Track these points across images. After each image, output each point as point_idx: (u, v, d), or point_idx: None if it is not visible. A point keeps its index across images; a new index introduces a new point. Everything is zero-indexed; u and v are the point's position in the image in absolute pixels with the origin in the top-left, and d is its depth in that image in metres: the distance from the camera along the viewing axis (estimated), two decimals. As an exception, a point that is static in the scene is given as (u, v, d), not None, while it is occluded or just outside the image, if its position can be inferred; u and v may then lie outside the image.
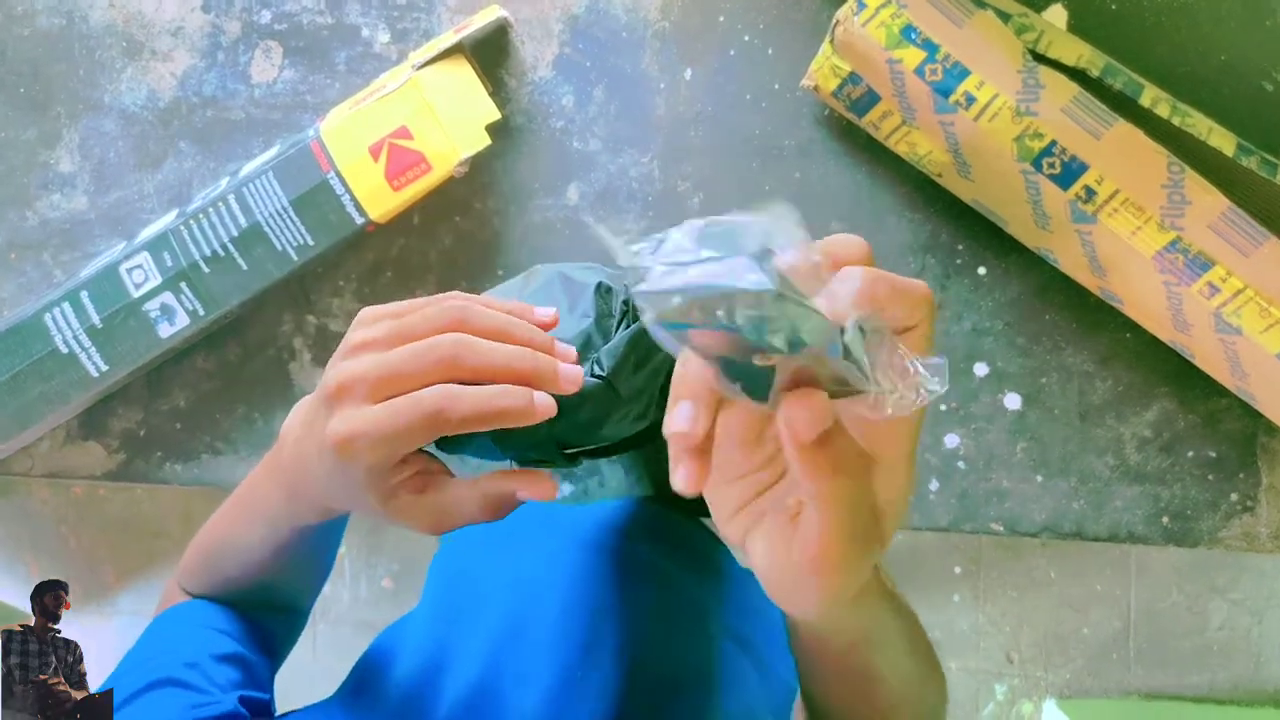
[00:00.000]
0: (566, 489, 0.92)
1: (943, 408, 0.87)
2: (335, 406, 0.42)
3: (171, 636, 0.68)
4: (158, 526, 2.23)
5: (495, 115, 0.83)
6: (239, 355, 0.94)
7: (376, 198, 0.82)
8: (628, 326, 0.57)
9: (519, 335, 0.46)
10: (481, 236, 0.91)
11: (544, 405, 0.44)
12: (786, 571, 0.38)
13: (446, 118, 0.81)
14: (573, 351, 0.49)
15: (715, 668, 0.73)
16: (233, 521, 0.67)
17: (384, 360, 0.42)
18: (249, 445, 0.95)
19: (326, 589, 1.83)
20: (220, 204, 0.82)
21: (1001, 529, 0.87)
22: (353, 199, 0.82)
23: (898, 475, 0.37)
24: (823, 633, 0.50)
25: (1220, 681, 1.98)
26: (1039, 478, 0.87)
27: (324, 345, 0.93)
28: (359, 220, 0.83)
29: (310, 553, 0.66)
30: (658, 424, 0.72)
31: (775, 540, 0.39)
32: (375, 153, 0.82)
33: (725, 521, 0.43)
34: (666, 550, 0.83)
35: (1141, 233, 0.71)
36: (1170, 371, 0.85)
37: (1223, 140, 0.74)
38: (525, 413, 0.43)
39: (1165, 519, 0.86)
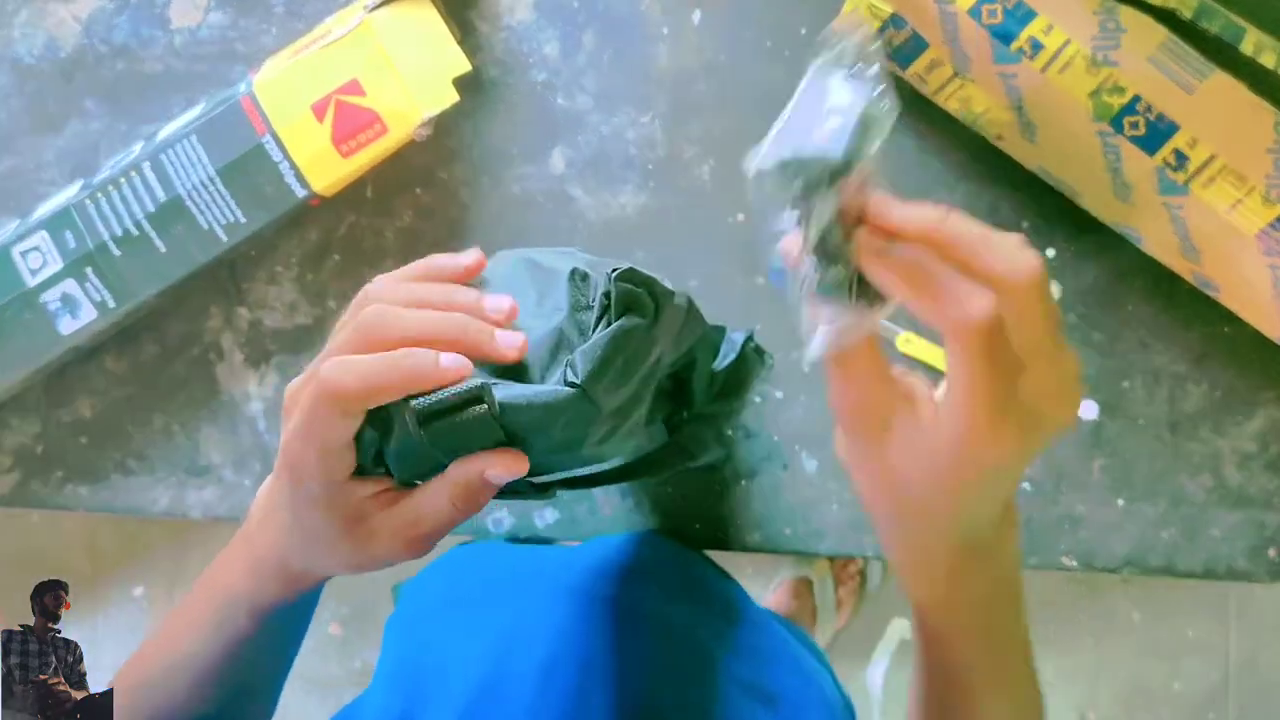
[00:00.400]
0: (550, 516, 0.92)
1: (1004, 417, 0.88)
2: (287, 416, 0.49)
3: None
4: (57, 561, 2.23)
5: (465, 67, 0.83)
6: (156, 356, 0.94)
7: (321, 165, 0.83)
8: (609, 324, 0.54)
9: (436, 299, 0.50)
10: (448, 212, 0.91)
11: (452, 365, 0.46)
12: (925, 465, 0.44)
13: (406, 69, 0.81)
14: (508, 308, 0.51)
15: None
16: (172, 638, 0.67)
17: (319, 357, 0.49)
18: (168, 463, 0.95)
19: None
20: (133, 173, 0.82)
21: (1075, 564, 0.88)
22: (292, 167, 0.82)
23: (1047, 365, 0.41)
24: (945, 624, 0.53)
25: (1337, 745, 1.99)
26: (1120, 502, 0.87)
27: (257, 343, 0.93)
28: (300, 193, 0.83)
29: (268, 646, 0.66)
30: (656, 453, 0.72)
31: (912, 431, 0.44)
32: (320, 111, 0.82)
33: (854, 421, 0.47)
34: (667, 594, 0.84)
35: (1243, 206, 0.71)
36: (1278, 373, 0.85)
37: (1341, 95, 0.74)
38: (429, 374, 0.46)
39: (1272, 551, 0.86)
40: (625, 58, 0.89)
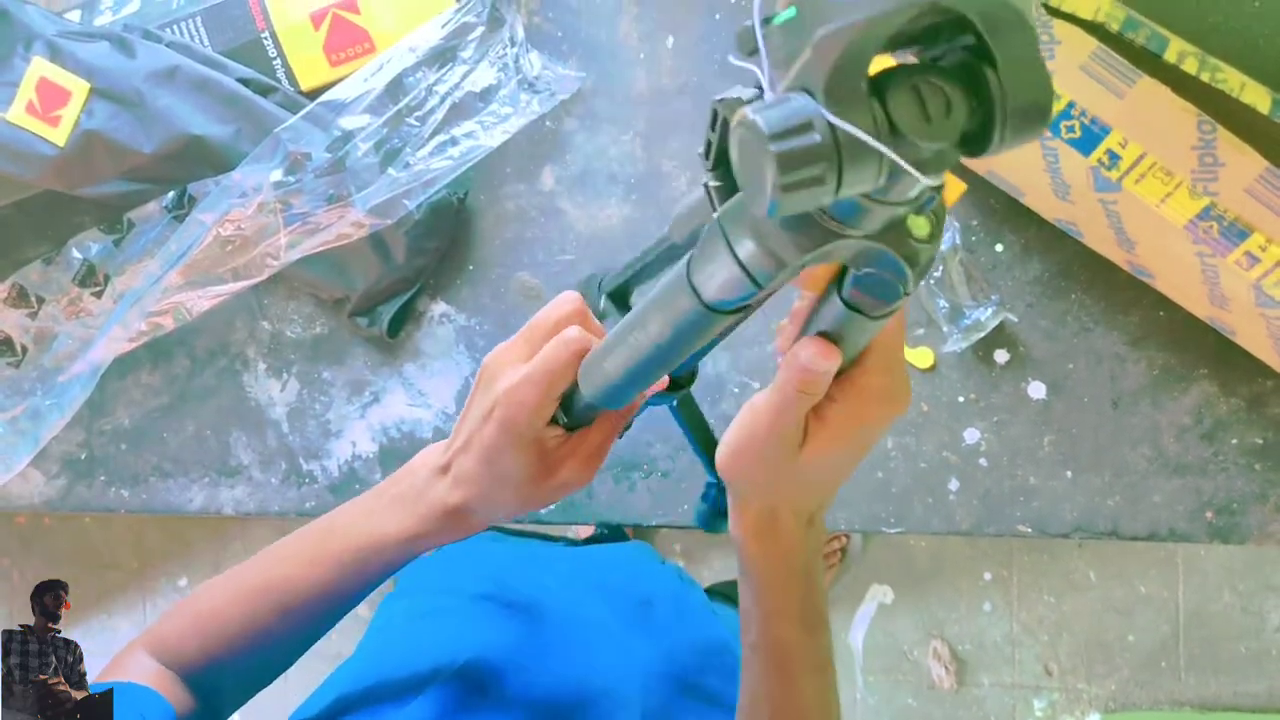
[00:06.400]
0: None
1: (960, 399, 0.87)
2: (494, 376, 0.56)
3: None
4: (109, 558, 2.23)
5: (452, 3, 0.83)
6: (187, 368, 0.94)
7: (311, 68, 0.83)
8: None
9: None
10: (450, 228, 0.90)
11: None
12: (835, 447, 0.49)
13: None
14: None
15: None
16: (291, 562, 0.68)
17: (517, 338, 0.57)
18: (201, 465, 0.94)
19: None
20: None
21: (1029, 530, 0.87)
22: (285, 65, 0.83)
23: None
24: (775, 595, 0.57)
25: (1280, 688, 1.99)
26: (1068, 473, 0.87)
27: (279, 353, 0.93)
28: (288, 88, 0.84)
29: (365, 585, 0.67)
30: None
31: (829, 425, 0.48)
32: (317, 21, 0.82)
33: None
34: (617, 605, 0.87)
35: (1171, 200, 0.71)
36: (1209, 351, 0.85)
37: (1257, 96, 0.73)
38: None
39: (1209, 514, 0.86)
40: (606, 81, 0.89)
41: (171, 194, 0.85)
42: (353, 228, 0.82)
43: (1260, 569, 1.99)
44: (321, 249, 0.84)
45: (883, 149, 0.35)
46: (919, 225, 0.40)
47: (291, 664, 0.72)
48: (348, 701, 0.72)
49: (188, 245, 0.82)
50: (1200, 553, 1.99)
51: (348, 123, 0.80)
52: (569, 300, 0.57)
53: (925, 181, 0.36)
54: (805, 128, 0.35)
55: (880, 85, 0.36)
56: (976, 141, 0.36)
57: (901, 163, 0.35)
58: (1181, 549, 2.00)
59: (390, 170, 0.82)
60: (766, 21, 0.37)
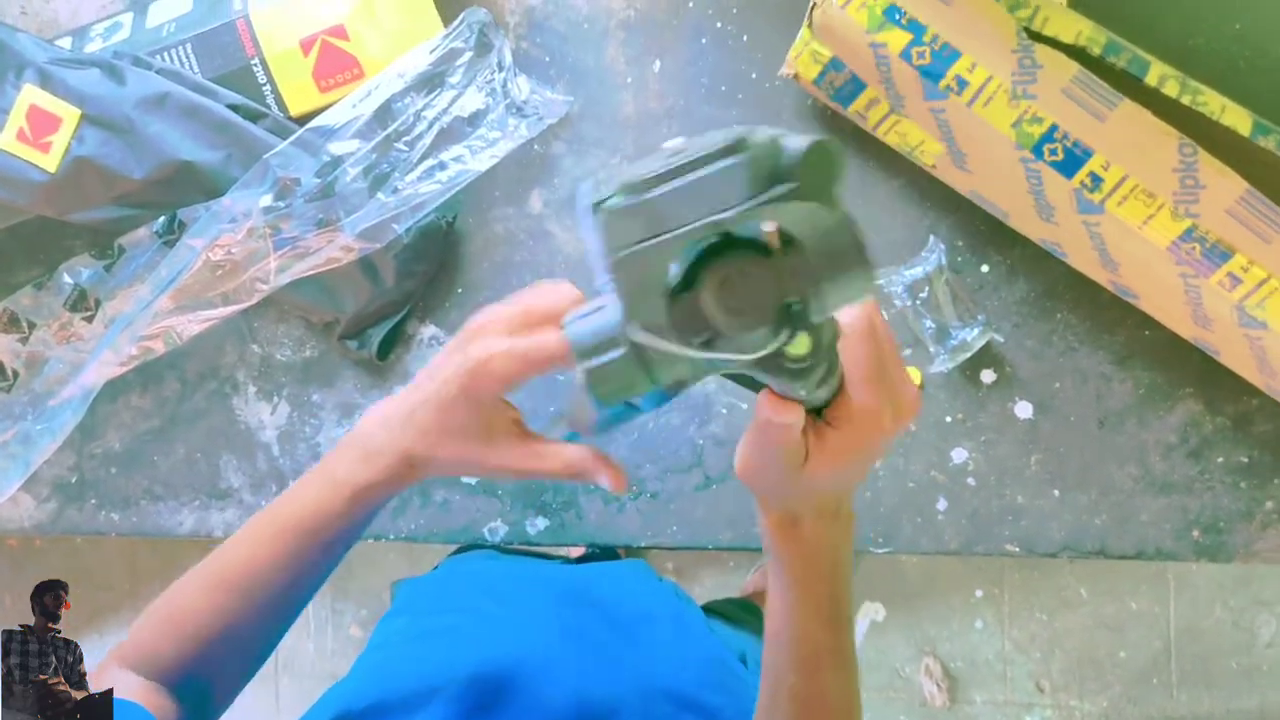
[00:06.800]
0: (541, 523, 0.92)
1: (948, 419, 0.87)
2: (474, 338, 0.56)
3: None
4: (101, 579, 2.22)
5: (439, 29, 0.83)
6: (177, 391, 0.94)
7: (301, 95, 0.83)
8: None
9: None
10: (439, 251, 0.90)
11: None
12: (834, 459, 0.49)
13: (388, 25, 0.82)
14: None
15: None
16: (248, 543, 0.68)
17: (511, 310, 0.56)
18: (191, 488, 0.94)
19: (290, 640, 1.81)
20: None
21: (1018, 550, 0.87)
22: (275, 91, 0.83)
23: (896, 358, 0.49)
24: (801, 587, 0.57)
25: (1272, 704, 1.98)
26: (1056, 492, 0.87)
27: (269, 376, 0.93)
28: (278, 114, 0.84)
29: (335, 546, 0.67)
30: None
31: (825, 443, 0.49)
32: (306, 47, 0.82)
33: None
34: (614, 619, 0.87)
35: (1154, 222, 0.71)
36: (1194, 371, 0.85)
37: (1238, 118, 0.74)
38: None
39: (1196, 532, 0.86)
40: (594, 105, 0.89)
41: (162, 219, 0.85)
42: (342, 252, 0.82)
43: (1250, 585, 1.99)
44: (311, 273, 0.83)
45: (685, 353, 0.37)
46: (799, 346, 0.41)
47: (270, 652, 0.72)
48: (349, 718, 0.71)
49: (178, 270, 0.82)
50: (1191, 569, 1.99)
51: (337, 148, 0.80)
52: (569, 293, 0.56)
53: (746, 358, 0.39)
54: (610, 344, 0.39)
55: (691, 278, 0.38)
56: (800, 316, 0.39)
57: (709, 356, 0.37)
58: (1172, 566, 2.00)
59: (379, 195, 0.82)
60: (596, 205, 0.38)
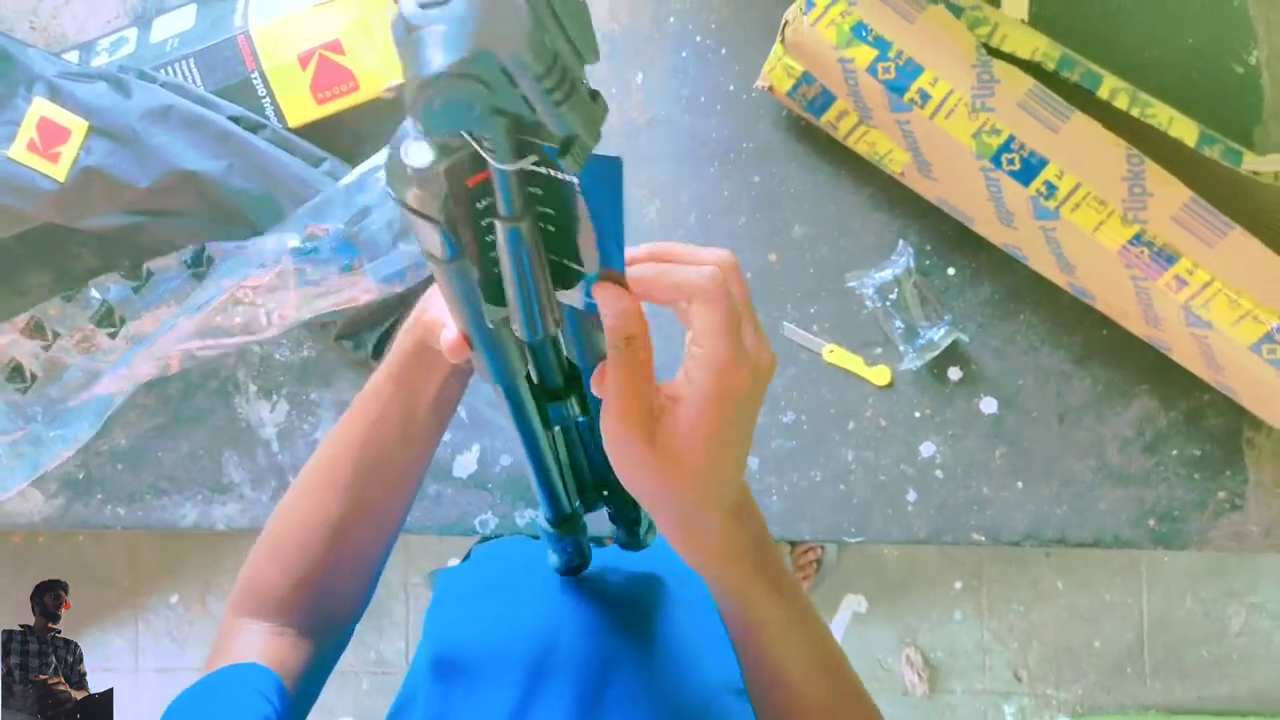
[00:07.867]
0: (530, 515, 0.95)
1: (916, 415, 0.91)
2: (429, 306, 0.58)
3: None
4: (104, 575, 2.24)
5: None
6: (181, 390, 0.96)
7: (299, 106, 0.87)
8: None
9: None
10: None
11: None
12: (688, 430, 0.48)
13: (383, 41, 0.85)
14: None
15: None
16: (336, 445, 0.68)
17: None
18: (194, 484, 0.97)
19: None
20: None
21: (983, 538, 0.91)
22: (274, 103, 0.86)
23: (754, 319, 0.50)
24: (727, 580, 0.55)
25: (1242, 692, 2.01)
26: (1019, 484, 0.91)
27: (268, 376, 0.96)
28: (277, 125, 0.87)
29: (445, 404, 0.67)
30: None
31: (677, 411, 0.48)
32: (304, 61, 0.85)
33: None
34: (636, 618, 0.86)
35: (1105, 227, 0.75)
36: (1149, 368, 0.88)
37: (1185, 130, 0.77)
38: None
39: (1152, 521, 0.90)
40: (579, 117, 0.92)
41: (191, 251, 0.88)
42: (361, 292, 0.86)
43: (1222, 576, 2.02)
44: (331, 310, 0.87)
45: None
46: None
47: (382, 559, 0.71)
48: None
49: (203, 301, 0.85)
50: (1163, 561, 2.03)
51: (366, 199, 0.84)
52: None
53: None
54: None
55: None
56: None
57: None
58: (1145, 557, 2.03)
59: (402, 244, 0.85)
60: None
